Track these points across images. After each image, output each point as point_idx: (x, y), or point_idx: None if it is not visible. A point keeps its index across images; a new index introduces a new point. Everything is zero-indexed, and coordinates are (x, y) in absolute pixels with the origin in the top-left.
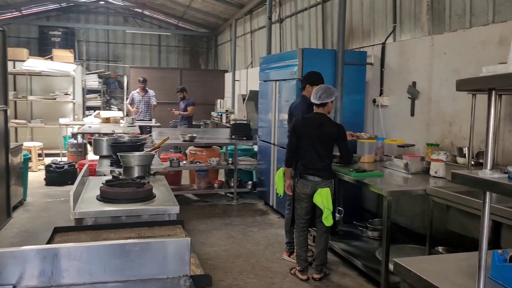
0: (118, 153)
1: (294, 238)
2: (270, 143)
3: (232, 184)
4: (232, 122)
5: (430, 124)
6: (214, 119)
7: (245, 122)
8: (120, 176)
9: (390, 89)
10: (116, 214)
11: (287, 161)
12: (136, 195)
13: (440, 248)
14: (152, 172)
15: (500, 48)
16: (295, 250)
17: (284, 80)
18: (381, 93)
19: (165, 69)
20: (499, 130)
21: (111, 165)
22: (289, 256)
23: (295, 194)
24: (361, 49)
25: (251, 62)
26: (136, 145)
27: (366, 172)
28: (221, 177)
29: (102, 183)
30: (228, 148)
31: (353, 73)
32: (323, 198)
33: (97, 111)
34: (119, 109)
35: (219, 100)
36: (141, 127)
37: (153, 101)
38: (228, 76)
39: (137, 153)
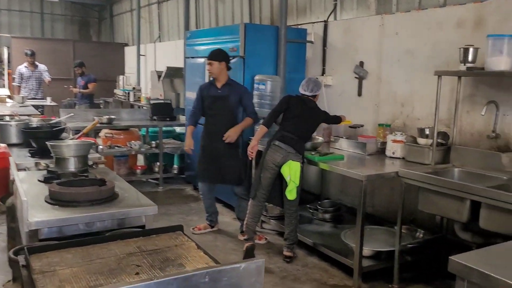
0: (48, 142)
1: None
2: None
3: (156, 169)
4: (152, 102)
5: (380, 104)
6: (118, 97)
7: (167, 101)
8: (57, 171)
9: (334, 68)
10: (84, 220)
11: (268, 122)
12: (100, 195)
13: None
14: (90, 163)
15: (459, 30)
16: (246, 218)
17: None
18: (323, 73)
19: (55, 41)
20: (457, 111)
21: (33, 156)
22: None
23: (264, 162)
24: (298, 27)
25: (159, 36)
26: (55, 131)
27: (328, 155)
28: (140, 162)
29: (40, 180)
30: (149, 130)
31: (293, 51)
32: (291, 170)
33: None
34: None
35: (121, 77)
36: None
37: (47, 77)
38: (129, 50)
39: (72, 142)
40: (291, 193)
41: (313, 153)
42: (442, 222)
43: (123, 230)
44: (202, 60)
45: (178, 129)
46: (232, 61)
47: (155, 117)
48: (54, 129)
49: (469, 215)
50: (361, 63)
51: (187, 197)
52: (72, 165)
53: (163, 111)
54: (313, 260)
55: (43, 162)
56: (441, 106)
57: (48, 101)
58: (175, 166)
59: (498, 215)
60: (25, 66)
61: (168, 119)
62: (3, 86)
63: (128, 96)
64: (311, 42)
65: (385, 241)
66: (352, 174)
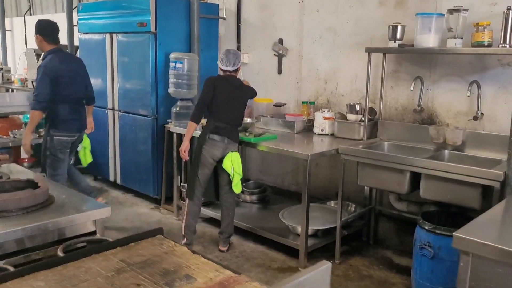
0: None
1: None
2: (106, 108)
3: None
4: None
5: (302, 81)
6: None
7: None
8: None
9: (250, 46)
10: (23, 234)
11: (196, 116)
12: (35, 200)
13: (332, 203)
14: None
15: (381, 8)
16: (184, 219)
17: (127, 33)
18: (238, 50)
19: None
20: (383, 87)
21: None
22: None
23: (201, 159)
24: (208, 1)
25: (30, 9)
26: None
27: (263, 136)
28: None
29: None
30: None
31: (205, 27)
32: (234, 162)
33: None
34: None
35: None
36: None
37: None
38: None
39: None
40: (237, 187)
41: (247, 134)
42: (370, 194)
43: (78, 240)
44: (101, 36)
45: None
46: (141, 38)
47: None
48: None
49: (409, 187)
50: (280, 40)
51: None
52: None
53: None
54: (250, 245)
55: None
56: (361, 82)
57: None
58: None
59: (437, 184)
60: None
61: None
62: None
63: None
64: (223, 18)
65: (322, 218)
66: (297, 154)
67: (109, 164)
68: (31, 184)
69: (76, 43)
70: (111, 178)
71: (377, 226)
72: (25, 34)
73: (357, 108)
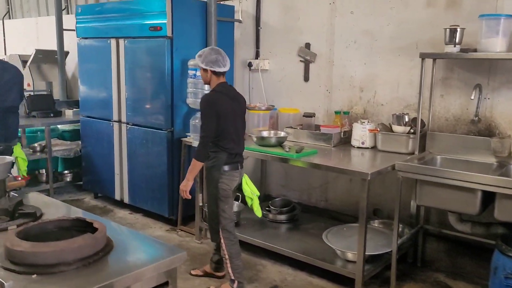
0: None
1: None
2: (111, 120)
3: (44, 178)
4: (28, 94)
5: (333, 89)
6: None
7: (46, 93)
8: None
9: (271, 51)
10: None
11: (202, 155)
12: (96, 247)
13: (376, 223)
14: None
15: (429, 9)
16: (228, 262)
17: (137, 38)
18: (257, 56)
19: None
20: (432, 95)
21: None
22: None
23: (221, 192)
24: (222, 3)
25: (8, 12)
26: None
27: (305, 151)
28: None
29: None
30: (26, 130)
31: (219, 31)
32: (249, 184)
33: None
34: None
35: None
36: None
37: None
38: None
39: None
40: (259, 210)
41: (287, 149)
42: (418, 213)
43: None
44: (105, 41)
45: (60, 126)
46: (155, 44)
47: (34, 113)
48: None
49: (480, 207)
50: (307, 45)
51: (92, 209)
52: None
53: (44, 105)
54: (289, 272)
55: None
56: (410, 90)
57: None
58: (66, 172)
59: None
60: None
61: (52, 114)
62: None
63: None
64: (239, 21)
65: (370, 241)
66: (353, 173)
67: (114, 181)
68: (80, 224)
69: (67, 48)
70: (117, 197)
71: (425, 247)
72: (4, 39)
73: (406, 119)
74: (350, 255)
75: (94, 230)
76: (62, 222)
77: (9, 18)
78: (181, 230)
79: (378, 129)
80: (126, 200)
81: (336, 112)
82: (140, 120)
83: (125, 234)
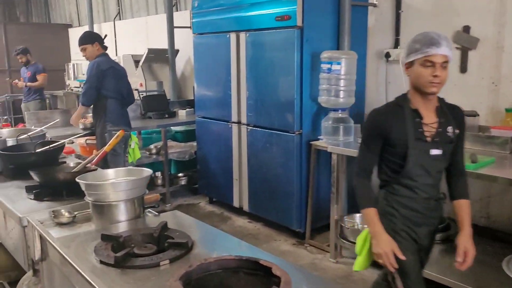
0: (79, 180)
1: None
2: (229, 121)
3: (159, 181)
4: (144, 95)
5: (501, 82)
6: (71, 90)
7: (158, 93)
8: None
9: None
10: None
11: (367, 198)
12: None
13: None
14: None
15: None
16: None
17: (261, 30)
18: (396, 45)
19: None
20: None
21: (38, 197)
22: None
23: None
24: None
25: (119, 13)
26: (54, 152)
27: (484, 161)
28: None
29: (105, 262)
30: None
31: (353, 18)
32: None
33: None
34: None
35: (71, 64)
36: None
37: None
38: (74, 32)
39: (114, 172)
40: None
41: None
42: None
43: None
44: (223, 36)
45: (173, 127)
46: (282, 36)
47: (150, 114)
48: (51, 147)
49: None
50: (466, 29)
51: (209, 215)
52: (122, 215)
53: (158, 105)
54: None
55: (64, 211)
56: None
57: None
58: (180, 174)
59: None
60: None
61: (166, 115)
62: None
63: None
64: (374, 5)
65: None
66: None
67: (232, 187)
68: (249, 265)
69: (177, 46)
70: (235, 203)
71: None
72: (115, 40)
73: None
74: None
75: (266, 272)
76: (227, 262)
77: (120, 19)
78: (310, 245)
79: None
80: (246, 207)
81: (507, 110)
82: (262, 121)
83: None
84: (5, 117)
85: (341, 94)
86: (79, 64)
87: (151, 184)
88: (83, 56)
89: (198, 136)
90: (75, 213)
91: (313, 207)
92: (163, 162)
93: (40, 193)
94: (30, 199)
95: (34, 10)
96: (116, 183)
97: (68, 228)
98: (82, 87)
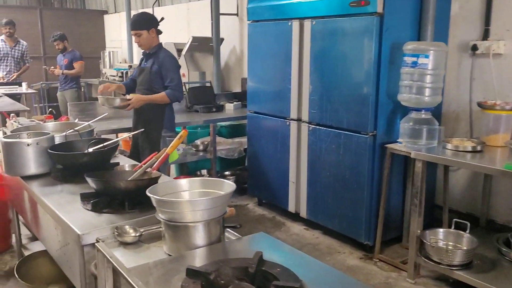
0: (149, 194)
1: None
2: (287, 118)
3: None
4: (190, 86)
5: None
6: (107, 78)
7: (206, 84)
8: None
9: (509, 28)
10: None
11: None
12: None
13: None
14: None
15: None
16: None
17: (331, 17)
18: (485, 36)
19: (16, 9)
20: None
21: (96, 207)
22: None
23: None
24: None
25: (157, 0)
26: (107, 153)
27: None
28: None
29: None
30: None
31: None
32: None
33: None
34: None
35: (107, 52)
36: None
37: (28, 59)
38: (110, 19)
39: (189, 184)
40: None
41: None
42: None
43: None
44: (284, 23)
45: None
46: (358, 24)
47: (196, 108)
48: (105, 147)
49: None
50: None
51: (260, 220)
52: (201, 240)
53: (205, 98)
54: None
55: (129, 227)
56: None
57: (24, 88)
58: (227, 173)
59: None
60: (1, 39)
61: (214, 109)
62: None
63: (123, 76)
64: None
65: None
66: None
67: (288, 190)
68: None
69: (222, 34)
70: (291, 208)
71: None
72: None
73: None
74: None
75: None
76: None
77: (158, 6)
78: (381, 261)
79: None
80: (303, 214)
81: None
82: (328, 119)
83: None
84: (41, 105)
85: (427, 91)
86: (115, 51)
87: None
88: (136, 42)
89: (249, 132)
90: (141, 230)
91: (387, 218)
92: (210, 160)
93: (98, 203)
94: (87, 209)
95: None
96: (196, 202)
97: (134, 250)
98: (170, 81)
